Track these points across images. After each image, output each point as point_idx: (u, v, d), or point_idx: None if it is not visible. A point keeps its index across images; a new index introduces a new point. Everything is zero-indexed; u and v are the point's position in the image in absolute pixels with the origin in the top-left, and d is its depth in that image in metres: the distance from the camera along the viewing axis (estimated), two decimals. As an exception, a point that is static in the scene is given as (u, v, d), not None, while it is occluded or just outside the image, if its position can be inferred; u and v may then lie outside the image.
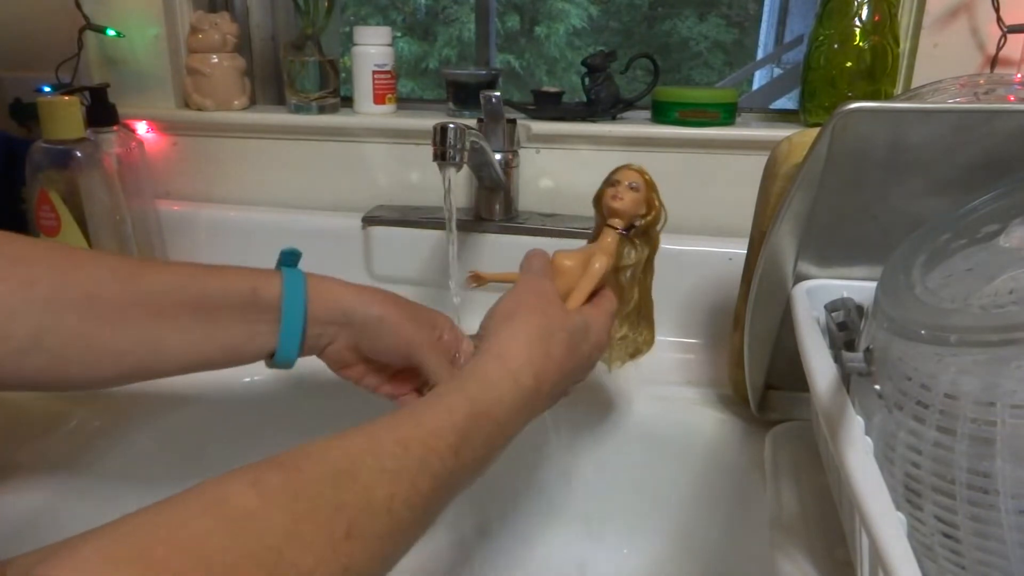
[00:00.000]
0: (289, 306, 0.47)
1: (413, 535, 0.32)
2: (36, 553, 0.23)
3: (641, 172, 0.51)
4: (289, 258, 0.50)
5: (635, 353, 0.60)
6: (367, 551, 0.29)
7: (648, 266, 0.56)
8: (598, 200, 0.52)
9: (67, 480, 0.58)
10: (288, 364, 0.49)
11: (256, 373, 0.54)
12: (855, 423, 0.37)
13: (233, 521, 0.26)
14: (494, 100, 0.68)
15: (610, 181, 0.52)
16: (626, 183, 0.51)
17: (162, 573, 0.23)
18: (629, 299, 0.55)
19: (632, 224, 0.51)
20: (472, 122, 0.69)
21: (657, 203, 0.52)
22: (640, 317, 0.58)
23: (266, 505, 0.27)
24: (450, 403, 0.36)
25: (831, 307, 0.48)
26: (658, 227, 0.53)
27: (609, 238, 0.51)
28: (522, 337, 0.42)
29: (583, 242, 0.74)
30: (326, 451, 0.30)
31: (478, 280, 0.53)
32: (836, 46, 0.71)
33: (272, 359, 0.48)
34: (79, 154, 0.68)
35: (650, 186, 0.52)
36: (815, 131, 0.41)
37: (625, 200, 0.50)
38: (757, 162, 0.55)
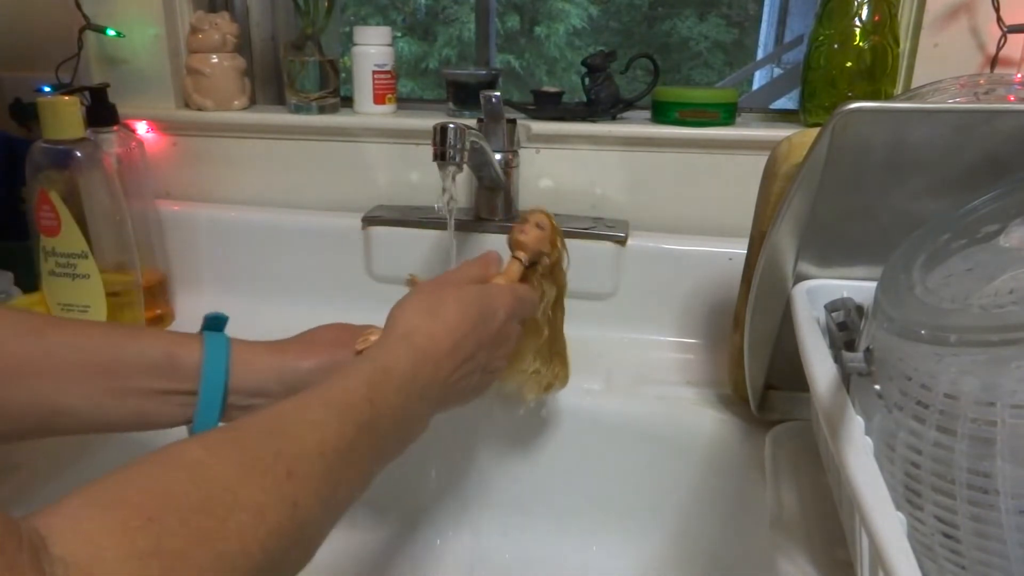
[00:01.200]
0: (209, 376, 0.44)
1: (348, 480, 0.36)
2: (37, 511, 0.26)
3: (548, 216, 0.56)
4: (214, 323, 0.48)
5: (548, 387, 0.60)
6: (309, 489, 0.33)
7: (557, 304, 0.59)
8: (509, 236, 0.56)
9: (67, 480, 0.58)
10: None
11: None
12: (855, 423, 0.37)
13: (189, 470, 0.30)
14: (494, 100, 0.68)
15: (520, 219, 0.57)
16: (533, 221, 0.55)
17: (138, 512, 0.27)
18: (540, 335, 0.58)
19: (536, 260, 0.55)
20: (472, 122, 0.69)
21: (560, 245, 0.57)
22: (552, 353, 0.60)
23: (214, 456, 0.31)
24: (357, 367, 0.40)
25: (831, 307, 0.48)
26: (564, 267, 0.58)
27: (513, 267, 0.54)
28: (409, 309, 0.45)
29: (582, 242, 0.74)
30: (259, 414, 0.35)
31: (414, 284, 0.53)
32: (836, 46, 0.71)
33: (189, 427, 0.46)
34: (79, 154, 0.68)
35: (555, 230, 0.56)
36: (815, 131, 0.41)
37: (529, 235, 0.54)
38: (757, 162, 0.55)
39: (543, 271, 0.56)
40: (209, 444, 0.31)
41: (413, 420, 0.41)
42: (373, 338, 0.46)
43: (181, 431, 0.45)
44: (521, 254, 0.54)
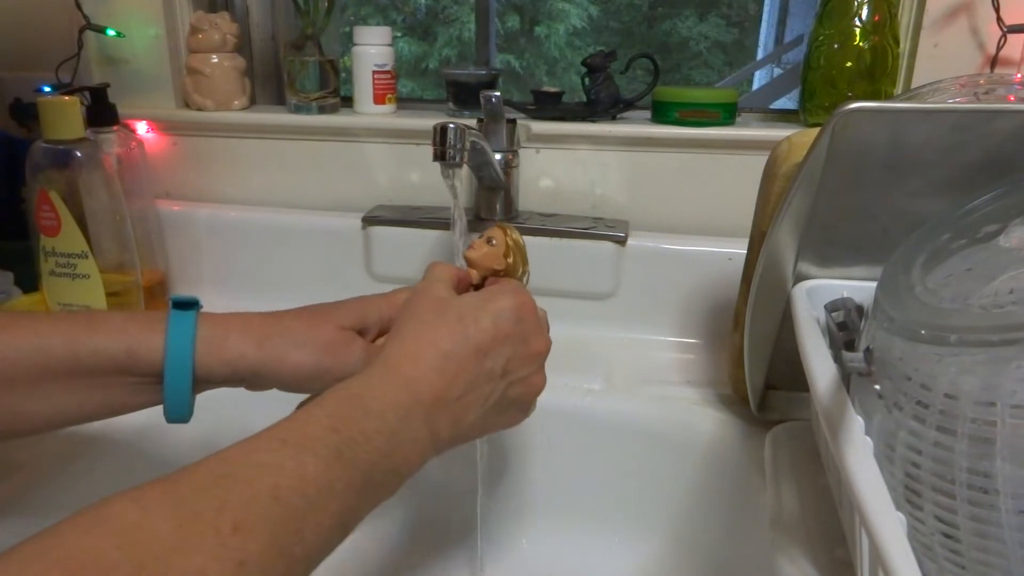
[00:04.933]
0: (172, 367, 0.41)
1: (319, 522, 0.31)
2: None
3: (505, 230, 0.52)
4: (181, 305, 0.44)
5: None
6: (260, 541, 0.28)
7: None
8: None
9: (67, 480, 0.58)
10: (183, 421, 0.44)
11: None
12: (855, 423, 0.37)
13: (120, 535, 0.26)
14: (494, 100, 0.68)
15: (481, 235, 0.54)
16: (486, 237, 0.52)
17: (70, 574, 0.24)
18: None
19: (486, 277, 0.51)
20: (472, 122, 0.69)
21: (515, 259, 0.52)
22: None
23: (149, 516, 0.27)
24: (319, 399, 0.36)
25: (831, 307, 0.48)
26: (523, 282, 0.53)
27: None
28: (390, 338, 0.41)
29: (582, 242, 0.74)
30: (204, 462, 0.30)
31: None
32: (836, 46, 0.71)
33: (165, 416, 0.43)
34: (79, 154, 0.68)
35: (510, 246, 0.52)
36: (815, 131, 0.41)
37: (478, 252, 0.50)
38: (757, 162, 0.55)
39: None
40: (144, 502, 0.28)
41: (404, 445, 0.36)
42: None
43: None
44: (472, 272, 0.51)
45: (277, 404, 0.41)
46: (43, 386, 0.40)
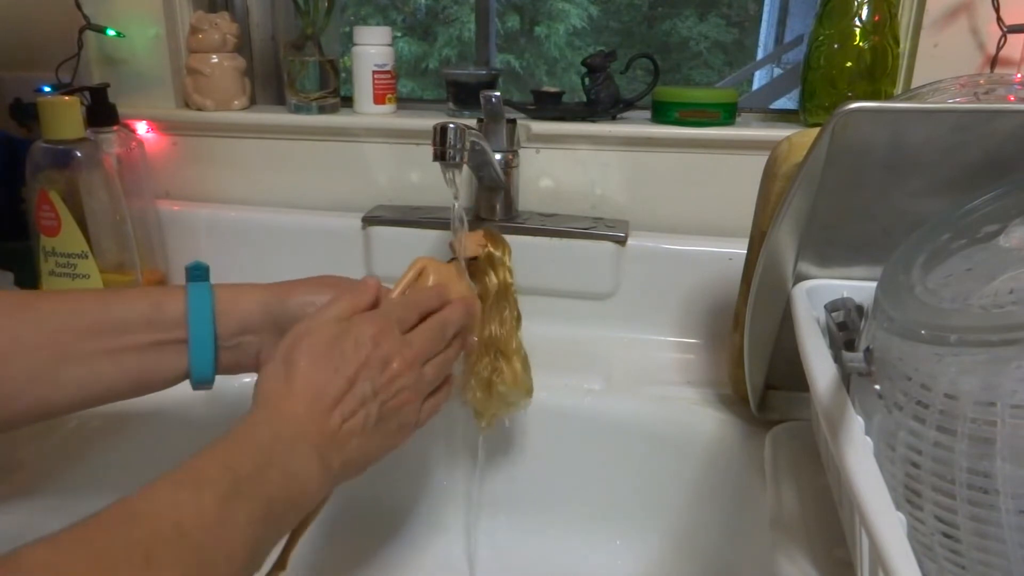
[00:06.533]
0: (196, 318, 0.44)
1: (228, 554, 0.33)
2: None
3: (490, 233, 0.60)
4: (196, 272, 0.47)
5: (489, 386, 0.58)
6: (175, 572, 0.30)
7: (500, 302, 0.59)
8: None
9: (68, 480, 0.58)
10: (207, 383, 0.46)
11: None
12: (855, 423, 0.37)
13: (45, 571, 0.27)
14: (494, 100, 0.68)
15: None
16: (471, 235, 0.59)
17: None
18: (482, 329, 0.58)
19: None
20: (472, 122, 0.69)
21: (490, 246, 0.59)
22: (501, 354, 0.59)
23: (62, 555, 0.28)
24: (209, 445, 0.37)
25: (831, 307, 0.48)
26: (499, 275, 0.59)
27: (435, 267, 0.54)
28: (264, 377, 0.42)
29: (583, 242, 0.74)
30: (108, 508, 0.32)
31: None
32: (836, 46, 0.71)
33: (190, 380, 0.46)
34: (79, 154, 0.68)
35: (490, 235, 0.60)
36: (815, 131, 0.41)
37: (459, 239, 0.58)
38: (757, 162, 0.55)
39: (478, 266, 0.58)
40: (57, 544, 0.29)
41: (298, 477, 0.38)
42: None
43: (174, 411, 0.45)
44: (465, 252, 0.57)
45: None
46: (79, 348, 0.42)
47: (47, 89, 0.78)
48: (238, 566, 0.33)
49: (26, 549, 0.28)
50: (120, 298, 0.44)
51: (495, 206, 0.75)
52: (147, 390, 0.46)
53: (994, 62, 0.69)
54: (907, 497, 0.34)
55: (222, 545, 0.33)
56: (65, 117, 0.68)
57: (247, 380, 0.64)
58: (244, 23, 0.90)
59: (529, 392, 0.60)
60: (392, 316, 0.47)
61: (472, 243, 0.59)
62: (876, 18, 0.69)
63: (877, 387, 0.38)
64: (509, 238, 0.74)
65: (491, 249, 0.60)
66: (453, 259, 0.58)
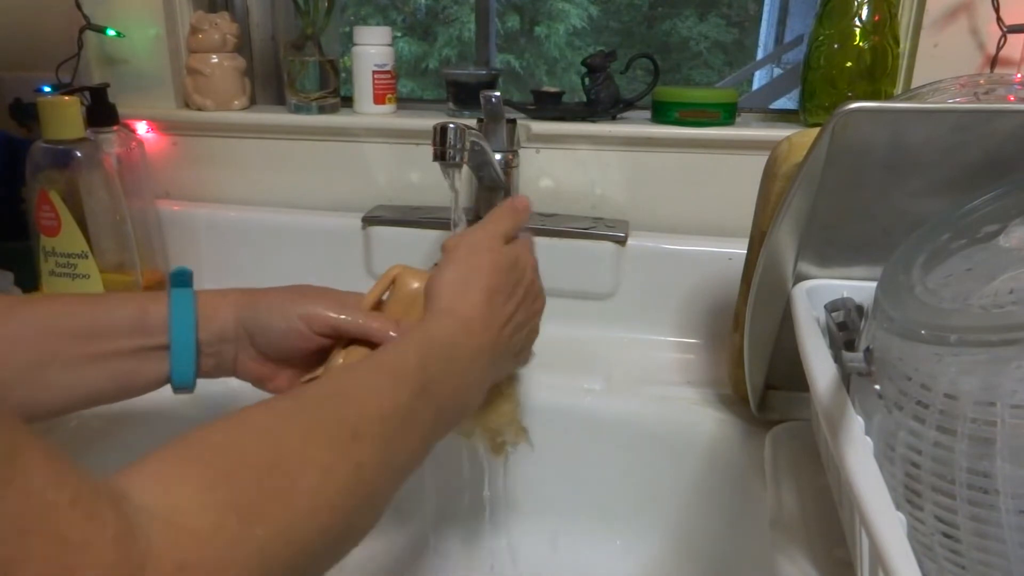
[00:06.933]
0: (177, 324, 0.45)
1: (408, 444, 0.37)
2: (115, 472, 0.27)
3: None
4: (179, 278, 0.48)
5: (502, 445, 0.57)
6: (373, 449, 0.34)
7: None
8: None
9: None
10: (188, 388, 0.47)
11: (269, 382, 0.54)
12: (855, 423, 0.37)
13: (259, 433, 0.31)
14: (494, 100, 0.68)
15: None
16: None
17: (214, 469, 0.28)
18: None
19: None
20: (472, 122, 0.69)
21: None
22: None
23: (281, 421, 0.32)
24: (407, 338, 0.42)
25: (831, 307, 0.48)
26: None
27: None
28: (447, 283, 0.46)
29: (582, 242, 0.74)
30: (318, 384, 0.37)
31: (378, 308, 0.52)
32: (836, 46, 0.71)
33: (171, 384, 0.47)
34: (79, 154, 0.68)
35: None
36: (815, 131, 0.41)
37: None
38: (757, 162, 0.55)
39: None
40: (275, 410, 0.33)
41: (469, 387, 0.43)
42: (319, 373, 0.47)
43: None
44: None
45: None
46: (64, 352, 0.43)
47: (47, 89, 0.78)
48: (416, 455, 0.38)
49: (249, 411, 0.32)
50: (106, 304, 0.45)
51: (495, 206, 0.75)
52: (129, 394, 0.46)
53: (994, 62, 0.69)
54: (907, 497, 0.34)
55: (408, 435, 0.37)
56: (65, 117, 0.68)
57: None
58: (244, 23, 0.90)
59: (522, 433, 0.58)
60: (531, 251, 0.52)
61: None
62: (876, 18, 0.69)
63: (877, 387, 0.38)
64: (509, 238, 0.75)
65: None
66: (436, 265, 0.56)
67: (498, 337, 0.45)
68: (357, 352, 0.48)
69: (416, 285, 0.51)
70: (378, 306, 0.51)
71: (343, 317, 0.48)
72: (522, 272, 0.48)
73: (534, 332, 0.51)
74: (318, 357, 0.49)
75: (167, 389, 0.48)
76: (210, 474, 0.28)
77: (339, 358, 0.47)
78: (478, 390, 0.45)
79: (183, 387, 0.47)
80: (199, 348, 0.46)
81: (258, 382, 0.50)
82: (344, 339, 0.48)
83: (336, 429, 0.33)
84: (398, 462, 0.36)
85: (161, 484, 0.26)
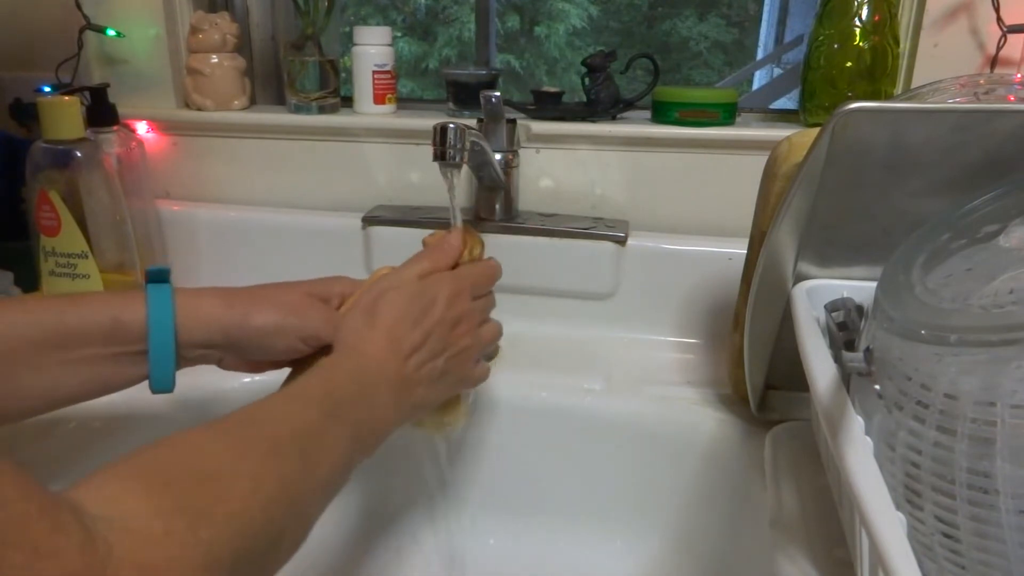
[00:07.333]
0: (156, 333, 0.44)
1: (327, 462, 0.39)
2: (65, 488, 0.29)
3: (466, 231, 0.57)
4: (156, 276, 0.46)
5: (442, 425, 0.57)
6: (294, 464, 0.37)
7: None
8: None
9: (68, 480, 0.58)
10: (167, 390, 0.47)
11: (256, 373, 0.54)
12: (855, 423, 0.37)
13: (192, 448, 0.34)
14: (494, 100, 0.68)
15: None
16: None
17: (157, 480, 0.31)
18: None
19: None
20: (472, 122, 0.69)
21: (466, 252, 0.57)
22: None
23: (210, 439, 0.35)
24: (310, 372, 0.45)
25: (831, 307, 0.48)
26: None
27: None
28: (350, 321, 0.48)
29: (583, 242, 0.74)
30: (236, 412, 0.38)
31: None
32: (836, 46, 0.71)
33: (150, 387, 0.46)
34: (79, 154, 0.68)
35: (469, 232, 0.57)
36: (815, 131, 0.41)
37: (434, 238, 0.56)
38: (757, 162, 0.55)
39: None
40: (205, 431, 0.35)
41: (381, 408, 0.45)
42: None
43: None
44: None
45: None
46: (34, 359, 0.42)
47: (47, 89, 0.78)
48: (336, 474, 0.40)
49: (182, 432, 0.34)
50: (77, 308, 0.44)
51: (495, 206, 0.75)
52: (107, 393, 0.46)
53: (994, 62, 0.69)
54: (907, 497, 0.34)
55: (324, 453, 0.39)
56: (65, 117, 0.68)
57: (246, 380, 0.64)
58: (244, 23, 0.90)
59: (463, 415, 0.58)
60: (468, 281, 0.52)
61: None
62: (876, 18, 0.69)
63: (877, 387, 0.38)
64: (509, 238, 0.75)
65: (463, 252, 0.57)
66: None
67: (403, 366, 0.47)
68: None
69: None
70: None
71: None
72: (430, 302, 0.49)
73: (464, 355, 0.51)
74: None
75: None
76: (154, 485, 0.30)
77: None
78: (395, 413, 0.46)
79: (162, 390, 0.46)
80: (178, 351, 0.45)
81: (245, 371, 0.50)
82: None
83: (259, 445, 0.36)
84: (320, 476, 0.38)
85: (111, 496, 0.29)
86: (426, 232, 0.76)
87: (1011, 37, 0.67)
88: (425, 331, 0.48)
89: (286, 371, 0.51)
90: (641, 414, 0.64)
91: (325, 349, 0.49)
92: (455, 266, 0.54)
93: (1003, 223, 0.37)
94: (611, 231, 0.74)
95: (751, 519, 0.54)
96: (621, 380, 0.68)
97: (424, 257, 0.53)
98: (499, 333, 0.56)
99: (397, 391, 0.46)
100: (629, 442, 0.64)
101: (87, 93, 0.75)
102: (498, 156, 0.71)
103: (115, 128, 0.76)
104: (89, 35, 0.81)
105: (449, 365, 0.50)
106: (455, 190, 0.59)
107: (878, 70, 0.70)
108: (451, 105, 0.83)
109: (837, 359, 0.41)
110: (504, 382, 0.67)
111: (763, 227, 0.53)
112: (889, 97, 0.71)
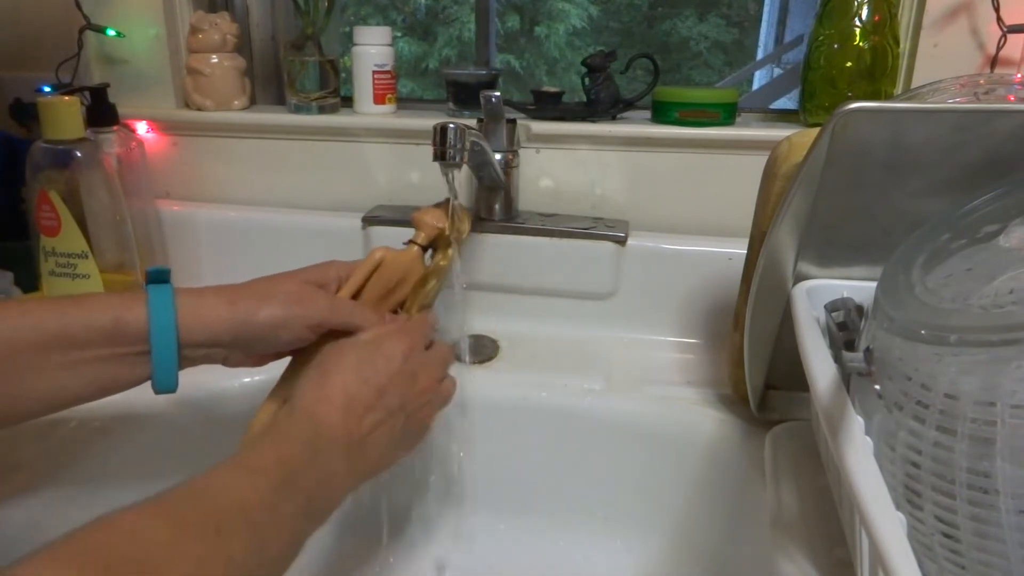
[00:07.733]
0: (157, 333, 0.44)
1: (278, 536, 0.37)
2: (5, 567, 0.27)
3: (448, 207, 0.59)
4: (156, 276, 0.47)
5: None
6: (240, 543, 0.34)
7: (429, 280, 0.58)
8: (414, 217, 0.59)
9: (68, 480, 0.58)
10: (170, 390, 0.47)
11: (256, 373, 0.54)
12: (855, 423, 0.37)
13: (126, 534, 0.31)
14: (494, 100, 0.68)
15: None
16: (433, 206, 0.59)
17: (89, 569, 0.29)
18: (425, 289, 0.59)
19: (432, 240, 0.58)
20: (472, 122, 0.69)
21: (450, 224, 0.59)
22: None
23: (146, 520, 0.32)
24: (262, 437, 0.42)
25: (831, 307, 0.48)
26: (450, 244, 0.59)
27: (402, 255, 0.57)
28: (303, 384, 0.46)
29: (583, 242, 0.74)
30: (177, 487, 0.35)
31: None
32: (836, 46, 0.71)
33: (153, 388, 0.47)
34: (79, 154, 0.68)
35: (453, 215, 0.59)
36: (815, 131, 0.41)
37: (422, 212, 0.58)
38: (757, 162, 0.55)
39: (442, 245, 0.58)
40: (142, 511, 0.33)
41: (332, 478, 0.42)
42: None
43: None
44: (420, 235, 0.57)
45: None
46: (36, 362, 0.42)
47: (47, 89, 0.78)
48: (286, 550, 0.38)
49: (117, 514, 0.32)
50: (78, 310, 0.44)
51: (495, 206, 0.75)
52: (110, 394, 0.46)
53: (994, 62, 0.69)
54: (907, 497, 0.34)
55: (274, 528, 0.37)
56: (65, 117, 0.68)
57: (246, 380, 0.64)
58: (244, 23, 0.90)
59: None
60: (419, 333, 0.51)
61: (431, 219, 0.58)
62: (876, 18, 0.69)
63: (877, 387, 0.38)
64: (509, 238, 0.75)
65: (444, 228, 0.58)
66: (410, 241, 0.58)
67: (357, 426, 0.45)
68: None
69: (399, 266, 0.54)
70: (360, 287, 0.54)
71: (342, 321, 0.50)
72: (386, 361, 0.47)
73: (425, 410, 0.50)
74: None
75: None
76: (89, 571, 0.29)
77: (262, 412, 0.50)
78: (349, 479, 0.44)
79: (165, 390, 0.47)
80: (181, 351, 0.45)
81: (249, 365, 0.51)
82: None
83: (200, 525, 0.33)
84: (270, 554, 0.36)
85: None
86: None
87: (1011, 37, 0.67)
88: (378, 388, 0.46)
89: (284, 363, 0.52)
90: (641, 414, 0.64)
91: (327, 335, 0.50)
92: (427, 276, 0.56)
93: (1003, 223, 0.37)
94: (611, 231, 0.74)
95: (751, 519, 0.54)
96: (621, 380, 0.68)
97: (367, 330, 0.51)
98: (455, 389, 0.54)
99: (351, 456, 0.44)
100: (629, 442, 0.64)
101: (87, 93, 0.75)
102: (498, 156, 0.71)
103: (115, 128, 0.76)
104: (89, 35, 0.81)
105: (409, 424, 0.48)
106: (455, 190, 0.59)
107: (878, 70, 0.70)
108: (451, 105, 0.83)
109: (837, 359, 0.41)
110: (504, 382, 0.67)
111: (763, 227, 0.53)
112: (889, 97, 0.71)
